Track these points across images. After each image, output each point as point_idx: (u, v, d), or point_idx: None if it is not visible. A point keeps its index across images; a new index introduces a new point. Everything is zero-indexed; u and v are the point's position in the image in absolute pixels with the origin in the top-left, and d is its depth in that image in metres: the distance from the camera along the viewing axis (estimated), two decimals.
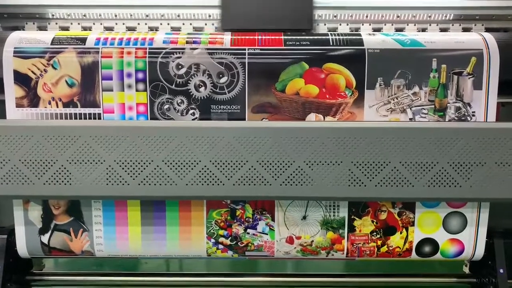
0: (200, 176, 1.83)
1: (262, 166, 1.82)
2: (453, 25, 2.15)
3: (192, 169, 1.82)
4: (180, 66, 1.90)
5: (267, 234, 2.04)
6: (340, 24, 2.16)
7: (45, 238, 2.04)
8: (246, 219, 2.03)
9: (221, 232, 2.03)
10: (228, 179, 1.83)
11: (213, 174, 1.83)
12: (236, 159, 1.82)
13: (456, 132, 1.81)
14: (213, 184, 1.83)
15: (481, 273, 2.16)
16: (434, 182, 1.84)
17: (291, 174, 1.83)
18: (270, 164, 1.82)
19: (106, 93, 1.92)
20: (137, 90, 1.92)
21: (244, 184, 1.83)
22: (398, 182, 1.83)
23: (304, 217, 2.03)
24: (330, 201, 2.00)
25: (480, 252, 2.06)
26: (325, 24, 2.15)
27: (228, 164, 1.83)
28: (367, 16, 2.15)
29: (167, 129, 1.81)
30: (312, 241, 2.05)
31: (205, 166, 1.82)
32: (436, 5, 2.14)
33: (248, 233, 2.04)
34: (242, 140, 1.81)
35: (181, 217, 2.02)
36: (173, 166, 1.83)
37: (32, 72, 1.90)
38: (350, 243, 2.04)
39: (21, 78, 1.90)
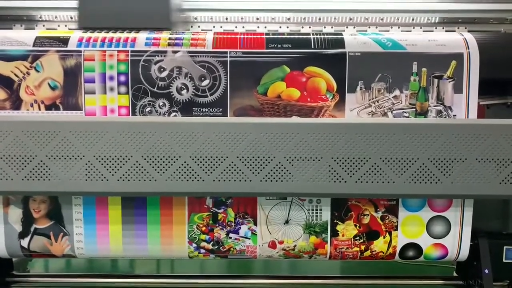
0: (179, 172, 1.82)
1: (242, 162, 1.82)
2: (436, 28, 2.18)
3: (171, 165, 1.82)
4: (162, 69, 1.92)
5: (249, 238, 2.02)
6: (325, 27, 2.19)
7: (24, 242, 2.02)
8: (228, 223, 2.01)
9: (203, 236, 2.01)
10: (208, 175, 1.82)
11: (192, 170, 1.82)
12: (216, 155, 1.81)
13: (437, 129, 1.81)
14: (192, 180, 1.82)
15: (468, 274, 2.15)
16: (415, 179, 1.83)
17: (271, 170, 1.82)
18: (250, 160, 1.82)
19: (89, 96, 1.92)
20: (119, 93, 1.92)
21: (224, 180, 1.83)
22: (378, 178, 1.83)
23: (287, 221, 2.01)
24: (312, 200, 1.99)
25: (464, 254, 2.04)
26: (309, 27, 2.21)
27: (208, 160, 1.82)
28: (351, 19, 2.19)
29: (146, 124, 1.81)
30: (295, 245, 2.02)
31: (184, 162, 1.81)
32: (419, 8, 2.17)
33: (230, 238, 2.02)
34: (222, 135, 1.81)
35: (163, 222, 2.00)
36: (153, 161, 1.82)
37: (15, 74, 1.91)
38: (333, 247, 2.02)
39: (3, 81, 1.91)
